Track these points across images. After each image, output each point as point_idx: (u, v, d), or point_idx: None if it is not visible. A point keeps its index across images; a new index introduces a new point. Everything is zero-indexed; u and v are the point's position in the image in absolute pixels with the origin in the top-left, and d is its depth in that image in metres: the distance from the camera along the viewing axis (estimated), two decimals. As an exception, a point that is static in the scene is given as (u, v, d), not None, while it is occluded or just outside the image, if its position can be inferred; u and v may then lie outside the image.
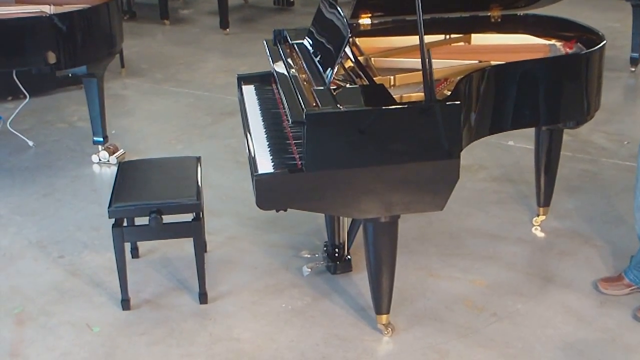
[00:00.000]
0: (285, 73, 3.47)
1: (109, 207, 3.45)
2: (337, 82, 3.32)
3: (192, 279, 3.75)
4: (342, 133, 2.91)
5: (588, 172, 4.97)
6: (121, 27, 5.22)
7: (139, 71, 7.48)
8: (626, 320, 3.47)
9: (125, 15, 9.37)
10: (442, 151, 3.00)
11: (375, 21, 4.16)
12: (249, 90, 3.99)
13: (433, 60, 3.33)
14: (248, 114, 3.65)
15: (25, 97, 5.72)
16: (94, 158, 5.26)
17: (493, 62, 3.58)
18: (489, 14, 4.21)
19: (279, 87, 3.38)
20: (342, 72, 3.42)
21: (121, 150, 5.34)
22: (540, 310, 3.54)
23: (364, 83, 3.27)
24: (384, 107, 2.93)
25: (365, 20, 4.14)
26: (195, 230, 3.49)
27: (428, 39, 3.99)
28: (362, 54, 3.75)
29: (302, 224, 4.29)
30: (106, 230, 4.08)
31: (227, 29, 8.97)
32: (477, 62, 3.63)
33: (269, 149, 3.23)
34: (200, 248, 3.54)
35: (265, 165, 3.07)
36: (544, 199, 4.21)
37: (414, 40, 3.98)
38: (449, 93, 3.33)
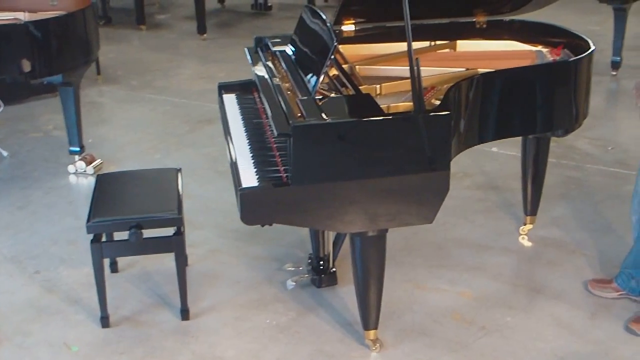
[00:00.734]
0: (269, 82, 3.38)
1: (87, 222, 3.33)
2: (322, 91, 3.23)
3: (173, 294, 3.64)
4: (329, 145, 2.82)
5: (573, 178, 4.92)
6: (97, 34, 5.11)
7: (115, 78, 7.35)
8: (618, 332, 3.40)
9: (101, 20, 9.23)
10: (432, 163, 2.92)
11: (359, 27, 4.06)
12: (230, 99, 3.89)
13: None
14: (230, 124, 3.56)
15: (-2, 105, 5.59)
16: (70, 168, 5.13)
17: (480, 70, 3.51)
18: (474, 19, 4.14)
19: (262, 97, 3.29)
20: (327, 80, 3.33)
21: (98, 160, 5.22)
22: (530, 322, 3.47)
23: (350, 93, 3.18)
24: (372, 119, 2.84)
25: (348, 27, 4.04)
26: (176, 245, 3.39)
27: (413, 46, 3.92)
28: (346, 61, 3.66)
29: (285, 236, 4.20)
30: (83, 244, 3.98)
31: (205, 34, 8.87)
32: (464, 69, 3.55)
33: (252, 161, 3.13)
34: (182, 263, 3.43)
35: (250, 178, 2.97)
36: (531, 207, 4.15)
37: (398, 47, 3.92)
38: (437, 102, 3.26)
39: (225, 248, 4.16)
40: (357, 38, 4.04)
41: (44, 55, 4.59)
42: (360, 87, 3.25)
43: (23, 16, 4.76)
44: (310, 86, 3.11)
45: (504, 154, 5.22)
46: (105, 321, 3.47)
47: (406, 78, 3.44)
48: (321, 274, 3.74)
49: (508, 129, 3.49)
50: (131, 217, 3.33)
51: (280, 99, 3.12)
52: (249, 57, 3.85)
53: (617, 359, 3.25)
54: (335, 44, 3.03)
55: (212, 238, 4.26)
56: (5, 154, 5.43)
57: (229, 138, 3.42)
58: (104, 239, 3.47)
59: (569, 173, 4.99)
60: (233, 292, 3.75)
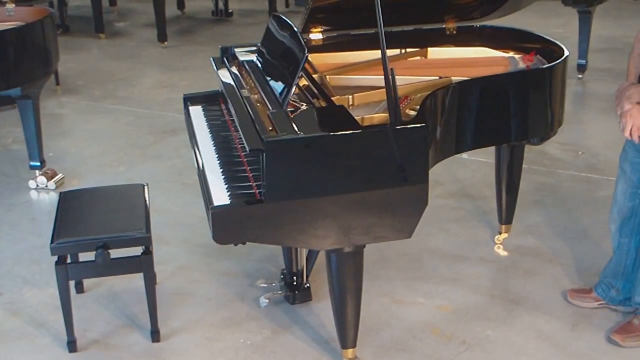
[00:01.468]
0: (237, 94, 3.26)
1: (51, 243, 3.19)
2: (293, 102, 3.12)
3: (143, 314, 3.51)
4: (304, 160, 2.71)
5: (546, 184, 4.87)
6: (57, 45, 4.95)
7: (75, 88, 7.18)
8: (600, 343, 3.34)
9: (59, 29, 9.00)
10: (410, 175, 2.83)
11: (327, 35, 3.96)
12: (196, 112, 3.77)
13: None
14: (198, 139, 3.44)
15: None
16: (31, 184, 4.97)
17: (454, 78, 3.43)
18: (444, 26, 4.06)
19: (232, 110, 3.17)
20: (297, 91, 3.23)
21: (60, 174, 5.06)
22: (511, 336, 3.39)
23: (322, 104, 3.09)
24: (349, 132, 2.74)
25: (316, 35, 3.93)
26: (145, 265, 3.26)
27: (379, 53, 3.82)
28: (315, 71, 3.57)
29: (255, 250, 4.08)
30: (47, 264, 3.84)
31: (165, 42, 8.73)
32: (437, 78, 3.47)
33: (223, 176, 3.02)
34: (151, 283, 3.31)
35: (221, 196, 2.85)
36: (506, 216, 4.08)
37: (368, 55, 3.84)
38: (411, 112, 3.18)
39: (195, 264, 4.03)
40: (325, 46, 3.94)
41: (1, 68, 4.43)
42: (332, 98, 3.16)
43: (-22, 28, 4.59)
44: (281, 98, 3.00)
45: (475, 161, 5.15)
46: (72, 346, 3.33)
47: (378, 87, 3.37)
48: (295, 290, 3.63)
49: (485, 138, 3.42)
50: (97, 237, 3.20)
51: (251, 112, 3.01)
52: (215, 67, 3.72)
53: (600, 372, 3.19)
54: (306, 54, 2.93)
55: (180, 254, 4.13)
56: (-38, 169, 5.26)
57: (197, 153, 3.31)
58: (69, 260, 3.33)
59: (541, 179, 4.93)
60: (204, 310, 3.63)
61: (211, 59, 3.81)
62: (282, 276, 3.71)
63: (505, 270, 3.91)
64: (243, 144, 3.08)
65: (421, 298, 3.69)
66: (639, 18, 9.83)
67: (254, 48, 3.71)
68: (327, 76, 3.55)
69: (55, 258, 3.23)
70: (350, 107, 3.25)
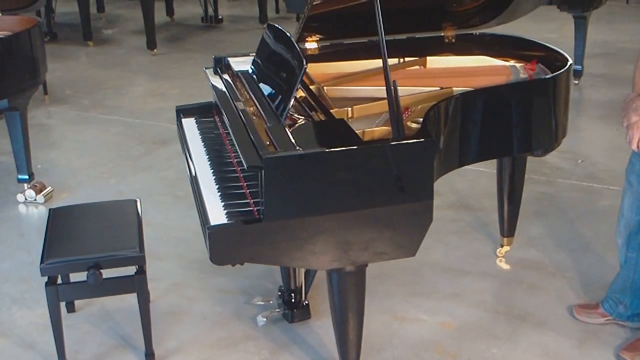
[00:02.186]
0: (233, 107, 3.15)
1: (41, 264, 3.07)
2: (290, 115, 3.01)
3: (136, 334, 3.40)
4: (304, 177, 2.60)
5: (546, 194, 4.77)
6: (44, 55, 4.83)
7: (64, 97, 7.05)
8: (608, 361, 3.25)
9: (46, 36, 8.87)
10: (414, 192, 2.72)
11: (323, 45, 3.85)
12: (189, 125, 3.66)
13: (385, 88, 3.08)
14: (191, 153, 3.33)
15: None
16: (20, 197, 4.84)
17: (456, 88, 3.33)
18: (442, 34, 3.96)
19: (228, 124, 3.05)
20: (294, 103, 3.12)
21: (49, 187, 4.93)
22: (517, 354, 3.29)
23: (321, 117, 2.98)
24: (351, 148, 2.63)
25: (312, 44, 3.83)
26: (139, 284, 3.14)
27: (378, 63, 3.72)
28: (312, 82, 3.46)
29: (251, 266, 3.87)
30: (37, 282, 3.72)
31: (155, 49, 8.61)
32: (438, 88, 3.37)
33: (219, 193, 2.91)
34: (145, 304, 3.19)
35: (218, 214, 2.74)
36: (508, 228, 3.98)
37: (367, 64, 3.75)
38: (414, 125, 3.08)
39: (189, 281, 3.92)
40: (322, 56, 3.84)
41: (-12, 80, 4.32)
42: (331, 111, 3.06)
43: (-36, 38, 4.47)
44: (278, 112, 2.89)
45: (473, 170, 5.05)
46: (63, 369, 3.21)
47: (378, 99, 3.28)
48: (293, 307, 3.52)
49: (489, 150, 3.32)
50: (89, 256, 3.08)
51: (247, 126, 2.90)
52: (209, 78, 3.61)
53: (610, 391, 3.09)
54: (305, 66, 2.82)
55: (174, 270, 4.02)
56: (-52, 183, 5.12)
57: (191, 167, 3.20)
58: (59, 280, 3.21)
59: (541, 189, 4.84)
60: (200, 330, 3.51)
61: (204, 69, 3.70)
62: (279, 293, 3.59)
63: (509, 285, 3.81)
64: (239, 158, 2.97)
65: (423, 315, 3.58)
66: (631, 22, 9.78)
67: (249, 58, 3.59)
68: (325, 87, 3.44)
69: (45, 278, 3.11)
70: (350, 120, 3.15)
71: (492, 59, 3.88)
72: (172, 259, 4.13)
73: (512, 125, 3.32)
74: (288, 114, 2.88)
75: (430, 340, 3.39)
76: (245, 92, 3.33)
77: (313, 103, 3.13)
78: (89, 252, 3.10)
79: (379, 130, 2.99)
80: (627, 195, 3.30)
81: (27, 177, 4.81)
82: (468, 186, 4.87)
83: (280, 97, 2.96)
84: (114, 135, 6.04)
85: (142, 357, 3.29)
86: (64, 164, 5.45)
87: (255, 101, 3.14)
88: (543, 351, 3.31)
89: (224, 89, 3.39)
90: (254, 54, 3.49)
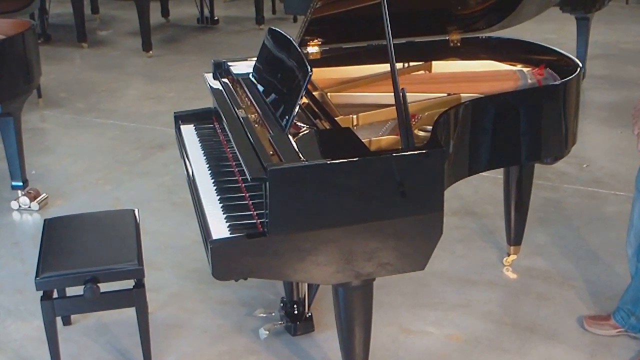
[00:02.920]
0: (235, 115, 3.04)
1: (36, 278, 2.96)
2: (294, 123, 2.91)
3: (134, 347, 3.30)
4: (311, 189, 2.50)
5: (551, 200, 4.68)
6: (39, 58, 4.72)
7: (58, 101, 6.93)
8: (621, 375, 3.16)
9: (40, 38, 8.75)
10: (424, 204, 2.63)
11: (326, 48, 3.75)
12: (188, 132, 3.56)
13: (391, 94, 2.98)
14: (191, 161, 3.23)
15: None
16: (14, 205, 4.73)
17: (463, 94, 3.24)
18: (447, 38, 3.86)
19: (230, 134, 2.94)
20: (298, 110, 3.01)
21: (43, 194, 4.82)
22: (528, 368, 3.20)
23: (326, 126, 2.88)
24: (359, 159, 2.53)
25: (313, 48, 3.72)
26: (137, 299, 3.04)
27: (383, 68, 3.64)
28: (315, 87, 3.36)
29: (252, 276, 3.86)
30: (32, 292, 3.60)
31: (150, 51, 8.49)
32: (445, 94, 3.27)
33: (220, 205, 2.80)
34: (144, 318, 3.08)
35: (220, 228, 2.63)
36: (515, 236, 3.89)
37: (371, 69, 3.66)
38: (421, 133, 2.99)
39: (188, 292, 3.81)
40: (324, 60, 3.73)
41: (-20, 85, 4.21)
42: (336, 118, 2.96)
43: (-45, 42, 4.36)
44: (282, 121, 2.79)
45: (477, 176, 4.91)
46: (60, 386, 3.11)
47: (383, 106, 3.18)
48: (296, 320, 3.42)
49: (498, 159, 3.22)
50: (85, 270, 2.97)
51: (250, 136, 2.79)
52: (208, 84, 3.50)
53: (624, 407, 3.00)
54: (310, 73, 2.73)
55: (172, 280, 3.91)
56: (-60, 190, 5.00)
57: (191, 176, 3.10)
58: (55, 294, 3.10)
59: (546, 194, 4.75)
60: (200, 343, 3.41)
61: (204, 75, 3.59)
62: (281, 304, 3.50)
63: (516, 295, 3.71)
64: (241, 167, 2.88)
65: (430, 327, 3.49)
66: (631, 23, 9.70)
67: (249, 62, 3.49)
68: (328, 93, 3.35)
69: (41, 292, 3.01)
70: (355, 128, 3.05)
71: (499, 63, 3.78)
72: (171, 268, 4.02)
73: (523, 133, 3.22)
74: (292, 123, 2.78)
75: (438, 354, 3.30)
76: (246, 99, 3.23)
77: (317, 110, 3.03)
78: (85, 266, 2.99)
79: (386, 139, 2.89)
80: (637, 205, 3.21)
81: (21, 183, 4.70)
82: (472, 192, 4.78)
83: (283, 105, 2.86)
84: (109, 140, 5.92)
85: (141, 373, 3.20)
86: (58, 170, 5.34)
87: (257, 108, 3.04)
88: (554, 365, 3.22)
89: (225, 95, 3.29)
90: (255, 59, 3.39)
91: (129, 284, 3.06)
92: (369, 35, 3.66)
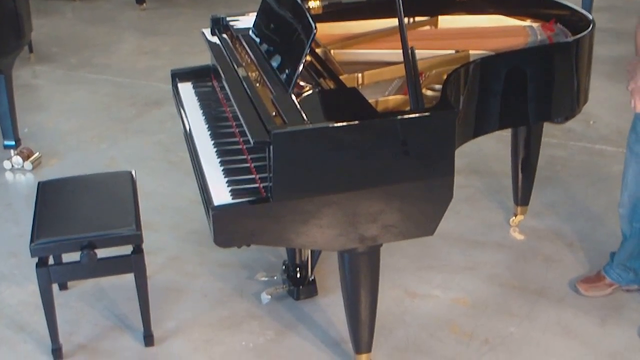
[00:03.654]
0: (235, 74, 2.92)
1: (31, 244, 2.86)
2: (296, 83, 2.78)
3: (133, 313, 3.22)
4: (317, 153, 2.39)
5: (558, 158, 4.58)
6: (29, 13, 4.55)
7: (50, 56, 6.76)
8: (633, 339, 3.08)
9: (30, -9, 8.52)
10: (435, 167, 2.52)
11: (327, 3, 3.60)
12: (186, 90, 3.44)
13: (397, 52, 2.86)
14: (190, 122, 3.11)
15: None
16: (6, 164, 4.61)
17: (472, 51, 3.12)
18: (453, -9, 3.73)
19: (230, 95, 2.82)
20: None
21: (36, 153, 4.70)
22: (537, 333, 3.12)
23: (331, 85, 2.76)
24: (368, 121, 2.41)
25: (314, 3, 3.57)
26: (136, 265, 2.94)
27: (388, 23, 3.51)
28: (318, 44, 3.23)
29: (253, 238, 3.76)
30: (26, 256, 3.46)
31: (144, 4, 8.29)
32: (453, 51, 3.15)
33: (221, 168, 2.70)
34: (143, 284, 2.99)
35: (222, 193, 2.52)
36: (522, 196, 3.79)
37: (376, 24, 3.52)
38: (429, 93, 2.87)
39: (187, 254, 3.71)
40: (326, 15, 3.58)
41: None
42: (340, 77, 2.83)
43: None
44: (285, 80, 2.67)
45: (480, 133, 4.83)
46: (57, 353, 3.02)
47: (389, 63, 3.05)
48: (299, 284, 3.33)
49: (509, 119, 3.11)
50: (82, 235, 2.87)
51: (252, 96, 2.67)
52: (206, 41, 3.37)
53: (637, 373, 2.93)
54: (315, 30, 2.60)
55: (170, 243, 3.81)
56: None
57: (190, 139, 2.98)
58: (51, 260, 3.00)
59: (553, 152, 4.64)
60: (200, 308, 3.33)
61: (202, 31, 3.45)
62: (284, 268, 3.40)
63: (524, 257, 3.63)
64: (241, 128, 2.77)
65: (436, 290, 3.40)
66: (634, -27, 9.50)
67: (249, 17, 3.35)
68: (332, 50, 3.22)
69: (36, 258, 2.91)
70: (359, 87, 2.93)
71: (507, 18, 3.65)
72: (168, 230, 3.92)
73: (533, 92, 3.10)
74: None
75: (445, 319, 3.22)
76: (246, 56, 3.10)
77: (320, 68, 2.91)
78: (82, 231, 2.89)
79: (394, 99, 2.78)
80: (630, 166, 3.12)
81: (13, 142, 4.57)
82: (476, 149, 4.66)
83: (286, 63, 2.74)
84: (103, 96, 5.78)
85: (140, 339, 3.11)
86: (52, 128, 5.21)
87: (258, 66, 2.92)
88: (564, 330, 3.14)
89: (224, 53, 3.16)
90: (255, 14, 3.25)
91: (127, 249, 2.96)
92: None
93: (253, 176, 2.62)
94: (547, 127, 4.75)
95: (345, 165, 2.42)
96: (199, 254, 3.70)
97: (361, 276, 2.72)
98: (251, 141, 2.41)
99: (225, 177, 2.63)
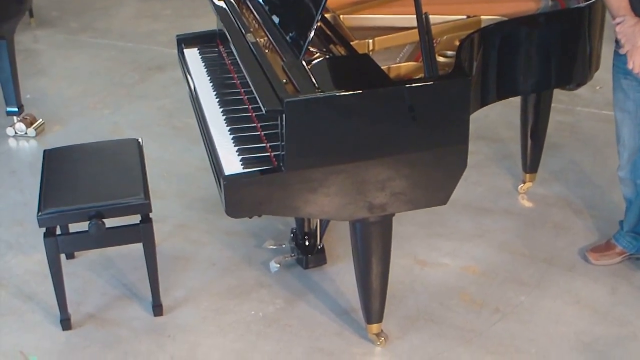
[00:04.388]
0: (243, 39, 2.86)
1: (38, 213, 2.83)
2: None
3: (141, 282, 3.20)
4: (330, 122, 2.35)
5: (565, 124, 4.54)
6: (30, -23, 4.49)
7: (51, 20, 6.67)
8: (643, 309, 3.07)
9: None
10: (449, 136, 2.49)
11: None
12: (192, 56, 3.39)
13: (409, 17, 2.83)
14: (198, 90, 3.07)
15: None
16: (9, 131, 4.56)
17: (483, 17, 3.07)
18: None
19: (239, 61, 2.77)
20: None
21: (39, 120, 4.65)
22: (547, 302, 3.11)
23: (342, 52, 2.71)
24: (382, 89, 2.37)
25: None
26: (145, 234, 2.91)
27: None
28: (327, 10, 3.17)
29: (260, 205, 3.73)
30: (32, 224, 3.49)
31: (144, -34, 8.16)
32: (464, 17, 3.09)
33: (231, 137, 2.66)
34: (152, 254, 2.96)
35: (233, 163, 2.49)
36: (531, 163, 3.76)
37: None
38: (441, 59, 2.82)
39: (193, 222, 3.69)
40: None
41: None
42: (351, 43, 2.79)
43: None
44: (296, 46, 2.62)
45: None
46: (66, 323, 3.00)
47: (400, 29, 3.00)
48: (307, 252, 3.31)
49: (521, 86, 3.08)
50: (90, 205, 2.84)
51: (262, 62, 2.62)
52: (212, 5, 3.31)
53: (648, 342, 2.91)
54: (327, -7, 2.54)
55: (177, 210, 3.78)
56: None
57: (198, 106, 2.94)
58: (58, 230, 2.97)
59: (560, 117, 4.60)
60: (208, 277, 3.31)
61: (208, -6, 3.39)
62: (292, 236, 3.38)
63: (533, 225, 3.60)
64: (251, 95, 2.73)
65: (445, 258, 3.38)
66: None
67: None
68: (341, 15, 3.16)
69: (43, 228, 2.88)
70: (370, 53, 2.88)
71: (518, -18, 3.58)
72: (174, 197, 3.89)
73: (547, 58, 3.06)
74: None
75: (455, 287, 3.20)
76: (254, 21, 3.05)
77: (330, 34, 2.86)
78: (89, 200, 2.86)
79: (405, 66, 2.73)
80: (625, 125, 3.11)
81: (16, 109, 4.52)
82: (483, 115, 4.60)
83: (297, 28, 2.68)
84: (105, 61, 5.71)
85: (149, 308, 3.09)
86: (54, 94, 5.15)
87: (267, 32, 2.87)
88: (574, 299, 3.12)
89: (231, 17, 3.10)
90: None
91: (134, 218, 2.93)
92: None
93: (264, 145, 2.58)
94: (554, 92, 4.71)
95: (359, 134, 2.39)
96: (206, 222, 3.67)
97: (373, 248, 2.70)
98: (263, 109, 2.37)
99: (235, 146, 2.59)
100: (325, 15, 3.08)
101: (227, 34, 2.98)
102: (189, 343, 2.94)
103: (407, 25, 2.98)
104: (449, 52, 2.83)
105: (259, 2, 3.12)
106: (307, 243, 3.31)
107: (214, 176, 2.56)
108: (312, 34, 2.55)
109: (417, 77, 2.65)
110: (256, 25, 3.00)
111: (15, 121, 4.54)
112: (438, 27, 3.00)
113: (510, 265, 3.33)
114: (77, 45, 6.05)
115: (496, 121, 4.53)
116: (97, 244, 2.97)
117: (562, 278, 3.24)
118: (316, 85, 2.39)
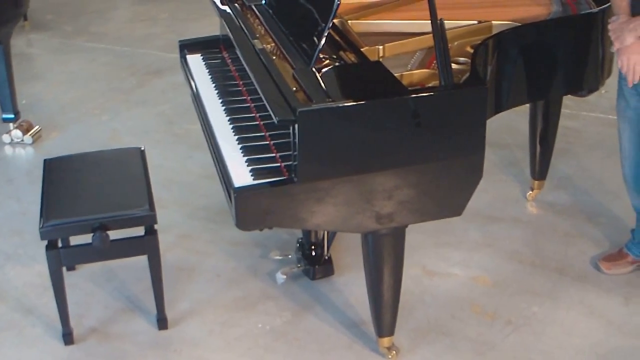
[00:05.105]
0: (250, 46, 2.79)
1: (40, 226, 2.75)
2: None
3: (144, 294, 3.13)
4: (344, 132, 2.29)
5: (572, 130, 4.48)
6: (27, -20, 4.40)
7: (45, 23, 6.59)
8: (659, 319, 3.01)
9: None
10: (465, 145, 2.43)
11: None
12: (196, 63, 3.33)
13: (419, 22, 2.76)
14: (202, 97, 3.00)
15: None
16: (5, 138, 4.48)
17: (495, 22, 3.00)
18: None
19: (247, 68, 2.70)
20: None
21: (36, 126, 4.57)
22: (560, 313, 3.04)
23: (353, 59, 2.65)
24: (399, 98, 2.31)
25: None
26: (149, 246, 2.84)
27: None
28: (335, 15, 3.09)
29: (264, 214, 3.66)
30: (31, 235, 3.44)
31: (138, -31, 8.08)
32: (475, 22, 3.03)
33: (239, 146, 2.59)
34: (157, 266, 2.88)
35: (242, 174, 2.42)
36: (540, 170, 3.71)
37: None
38: (455, 66, 2.74)
39: (197, 232, 3.61)
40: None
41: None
42: (362, 50, 2.72)
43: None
44: (307, 54, 2.55)
45: (491, 103, 4.73)
46: (68, 338, 2.92)
47: (411, 34, 2.94)
48: (314, 263, 3.24)
49: (535, 92, 3.01)
50: (93, 217, 2.76)
51: (270, 70, 2.56)
52: (216, 10, 3.24)
53: (665, 354, 2.85)
54: (339, 2, 2.47)
55: (180, 220, 3.70)
56: None
57: (204, 115, 2.87)
58: (60, 243, 2.90)
59: (566, 123, 4.52)
60: (214, 289, 3.23)
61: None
62: (298, 245, 3.31)
63: (543, 233, 3.54)
64: (258, 103, 2.66)
65: (455, 268, 3.32)
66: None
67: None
68: (349, 21, 3.09)
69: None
70: (381, 60, 2.81)
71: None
72: (177, 206, 3.81)
73: (560, 64, 3.01)
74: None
75: (465, 298, 3.14)
76: (260, 27, 2.98)
77: (339, 40, 2.79)
78: (93, 212, 2.78)
79: (418, 73, 2.67)
80: (625, 133, 3.08)
81: (12, 116, 4.44)
82: (488, 122, 4.54)
83: (307, 35, 2.61)
84: (102, 66, 5.63)
85: (154, 322, 3.02)
86: (50, 99, 5.06)
87: (274, 38, 2.80)
88: (588, 309, 3.06)
89: (237, 22, 3.02)
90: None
91: (139, 230, 2.85)
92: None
93: (273, 155, 2.51)
94: (559, 97, 4.65)
95: (374, 144, 2.33)
96: (210, 232, 3.60)
97: (386, 260, 2.63)
98: (275, 119, 2.30)
99: (244, 156, 2.52)
100: (334, 20, 3.00)
101: (233, 40, 2.91)
102: (196, 358, 2.86)
103: (417, 30, 2.92)
104: (462, 59, 2.77)
105: (265, 7, 3.06)
106: (314, 253, 3.25)
107: (223, 188, 2.49)
108: (324, 41, 2.48)
109: (431, 84, 2.58)
110: (262, 31, 2.94)
111: (12, 128, 4.46)
112: (450, 33, 2.92)
113: (521, 275, 3.26)
114: (73, 50, 5.96)
115: (501, 127, 4.46)
116: (101, 257, 2.88)
117: (574, 288, 3.18)
118: (328, 94, 2.32)
